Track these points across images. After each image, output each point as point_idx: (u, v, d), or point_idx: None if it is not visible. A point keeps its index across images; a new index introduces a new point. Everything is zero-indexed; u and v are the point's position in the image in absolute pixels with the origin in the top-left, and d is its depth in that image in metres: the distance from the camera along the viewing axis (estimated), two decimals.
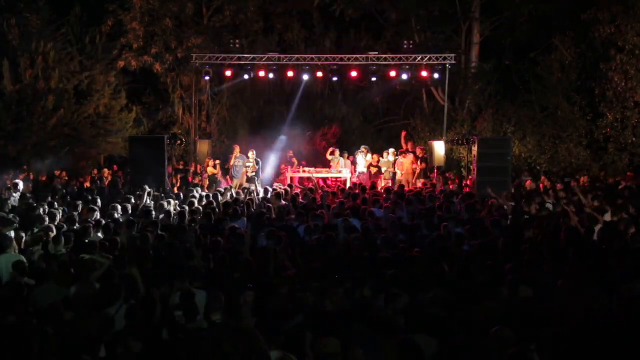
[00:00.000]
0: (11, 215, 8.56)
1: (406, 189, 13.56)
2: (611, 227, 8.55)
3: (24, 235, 7.76)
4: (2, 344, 4.40)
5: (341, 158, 16.92)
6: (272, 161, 17.57)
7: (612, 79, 17.01)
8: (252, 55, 17.66)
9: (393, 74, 17.45)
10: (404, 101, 22.09)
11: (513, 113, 18.88)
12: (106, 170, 16.86)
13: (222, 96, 21.22)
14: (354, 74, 17.50)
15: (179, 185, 15.17)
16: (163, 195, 11.60)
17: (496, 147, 14.16)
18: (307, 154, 20.58)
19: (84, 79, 17.35)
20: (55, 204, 9.93)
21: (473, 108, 20.23)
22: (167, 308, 5.54)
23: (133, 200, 10.52)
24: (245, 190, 12.82)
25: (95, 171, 17.17)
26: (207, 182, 15.68)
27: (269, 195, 11.69)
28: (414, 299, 5.70)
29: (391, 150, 16.51)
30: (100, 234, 8.15)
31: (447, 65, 17.09)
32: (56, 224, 8.29)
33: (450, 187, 13.92)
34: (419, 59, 17.14)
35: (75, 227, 8.21)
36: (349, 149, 18.25)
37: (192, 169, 17.05)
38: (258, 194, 12.17)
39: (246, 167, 15.29)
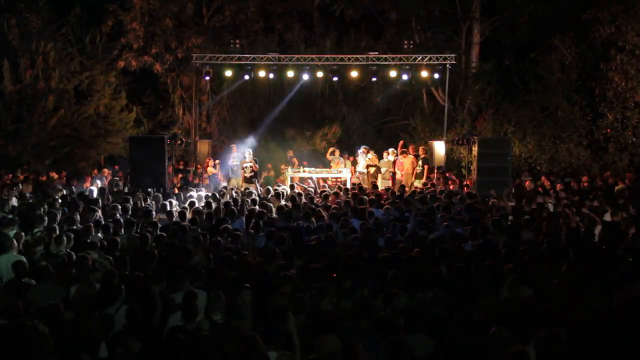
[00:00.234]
0: (11, 215, 8.56)
1: (406, 189, 13.55)
2: (611, 227, 8.56)
3: (23, 234, 7.75)
4: (2, 344, 4.41)
5: (341, 158, 16.91)
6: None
7: (612, 79, 16.99)
8: (252, 55, 17.66)
9: (393, 74, 17.45)
10: (404, 101, 22.07)
11: (513, 113, 18.87)
12: (106, 170, 16.85)
13: (222, 96, 21.22)
14: (354, 74, 17.49)
15: (179, 185, 15.16)
16: (162, 195, 11.59)
17: (496, 147, 14.15)
18: (307, 154, 20.59)
19: (84, 79, 17.35)
20: (56, 204, 9.92)
21: (473, 108, 20.23)
22: (167, 308, 5.55)
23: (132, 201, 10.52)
24: (246, 190, 12.80)
25: (95, 171, 17.16)
26: (207, 182, 15.67)
27: (269, 195, 11.70)
28: (414, 299, 5.70)
29: (390, 150, 16.49)
30: (100, 234, 8.14)
31: (447, 65, 17.09)
32: (56, 224, 8.29)
33: (451, 187, 13.91)
34: (419, 59, 17.14)
35: (75, 227, 8.20)
36: (349, 149, 18.24)
37: (192, 169, 17.06)
38: (259, 194, 12.16)
39: (243, 167, 15.27)
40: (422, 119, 20.88)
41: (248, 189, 13.17)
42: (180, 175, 15.97)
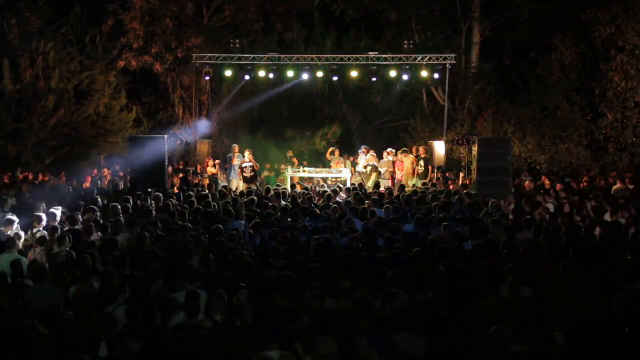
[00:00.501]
0: (10, 215, 8.55)
1: (406, 189, 13.55)
2: (611, 227, 8.56)
3: (23, 234, 7.75)
4: (2, 344, 4.41)
5: (341, 158, 16.92)
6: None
7: (612, 79, 16.99)
8: (252, 55, 17.66)
9: (393, 74, 17.45)
10: (404, 101, 22.09)
11: (513, 113, 18.88)
12: (105, 170, 16.86)
13: (222, 96, 21.23)
14: (354, 74, 17.49)
15: (178, 185, 15.15)
16: (163, 195, 11.58)
17: (496, 147, 14.14)
18: (307, 154, 20.61)
19: (84, 79, 17.35)
20: (56, 203, 9.92)
21: (473, 108, 20.23)
22: (168, 308, 5.55)
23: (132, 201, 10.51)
24: (247, 190, 12.79)
25: (95, 171, 17.17)
26: (208, 182, 15.67)
27: (269, 195, 11.70)
28: (414, 299, 5.70)
29: (389, 150, 16.48)
30: (100, 234, 8.14)
31: (447, 65, 17.09)
32: (56, 224, 8.29)
33: (451, 187, 13.91)
34: (419, 59, 17.14)
35: (76, 227, 8.20)
36: (349, 149, 18.21)
37: (192, 169, 17.06)
38: (259, 194, 12.15)
39: (242, 167, 15.26)
40: (422, 119, 20.89)
41: (249, 188, 13.16)
42: (180, 175, 15.97)
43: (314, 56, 17.76)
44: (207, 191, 12.53)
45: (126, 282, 5.86)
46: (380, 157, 16.54)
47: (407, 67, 17.21)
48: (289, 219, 9.52)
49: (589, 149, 17.92)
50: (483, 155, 13.86)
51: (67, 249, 7.05)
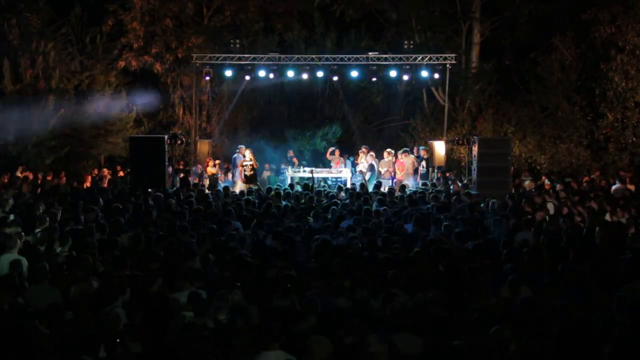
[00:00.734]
0: (11, 215, 8.56)
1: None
2: (611, 227, 8.56)
3: (23, 234, 7.75)
4: (2, 344, 4.41)
5: (341, 158, 16.92)
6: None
7: (612, 79, 16.98)
8: (252, 55, 17.66)
9: (393, 74, 17.45)
10: (404, 101, 22.09)
11: (513, 113, 18.87)
12: (105, 170, 16.85)
13: (222, 96, 21.23)
14: (354, 73, 17.49)
15: (179, 185, 15.15)
16: (164, 195, 11.58)
17: (496, 147, 14.15)
18: (307, 154, 20.61)
19: (84, 79, 17.33)
20: (56, 203, 9.93)
21: (473, 108, 20.22)
22: (167, 308, 5.54)
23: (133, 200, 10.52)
24: (247, 190, 12.78)
25: (96, 171, 17.17)
26: (208, 182, 15.67)
27: (270, 195, 11.70)
28: (414, 299, 5.70)
29: (389, 150, 16.48)
30: (100, 234, 8.13)
31: (448, 65, 17.09)
32: (56, 224, 8.29)
33: (451, 187, 13.90)
34: (419, 58, 17.14)
35: (77, 227, 8.20)
36: (349, 149, 18.18)
37: (192, 169, 17.05)
38: (260, 194, 12.14)
39: (243, 166, 15.26)
40: (422, 119, 20.89)
41: (249, 188, 13.16)
42: (180, 175, 15.97)
43: (314, 56, 17.76)
44: (208, 191, 12.53)
45: (126, 282, 5.86)
46: (380, 157, 16.55)
47: (407, 67, 17.21)
48: (289, 219, 9.51)
49: (589, 149, 17.92)
50: (483, 155, 13.86)
51: (70, 249, 7.06)
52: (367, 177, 15.56)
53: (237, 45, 17.74)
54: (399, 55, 17.31)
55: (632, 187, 13.27)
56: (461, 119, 19.77)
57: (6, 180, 13.05)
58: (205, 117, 21.05)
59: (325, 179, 16.40)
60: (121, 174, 16.67)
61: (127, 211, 9.48)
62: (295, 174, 16.11)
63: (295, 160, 17.61)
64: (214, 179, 15.93)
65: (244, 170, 15.15)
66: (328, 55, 17.88)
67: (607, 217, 9.83)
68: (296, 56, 17.94)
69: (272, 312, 5.24)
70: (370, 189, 13.52)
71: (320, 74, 17.75)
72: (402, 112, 22.11)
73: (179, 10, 19.92)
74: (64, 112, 16.00)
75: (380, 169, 16.15)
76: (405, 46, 17.64)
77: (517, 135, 18.21)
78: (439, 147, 16.26)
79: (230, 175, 16.79)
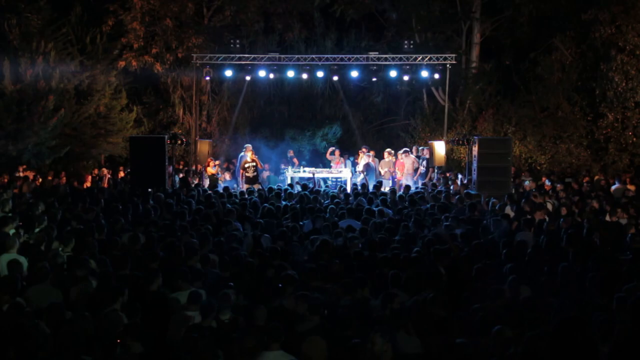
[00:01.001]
0: (10, 214, 8.55)
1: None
2: (611, 227, 8.56)
3: (22, 233, 7.75)
4: (2, 344, 4.41)
5: (341, 158, 16.93)
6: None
7: (612, 79, 16.98)
8: (253, 55, 17.67)
9: (393, 74, 17.45)
10: (404, 101, 22.10)
11: (513, 113, 18.88)
12: (105, 170, 16.86)
13: (222, 96, 21.23)
14: (354, 74, 17.50)
15: (179, 185, 15.16)
16: (164, 195, 11.59)
17: (496, 147, 14.15)
18: (307, 154, 20.61)
19: (84, 79, 17.33)
20: (56, 203, 9.93)
21: (473, 108, 20.23)
22: (167, 308, 5.55)
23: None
24: (248, 190, 12.77)
25: (96, 171, 17.17)
26: (208, 182, 15.68)
27: (270, 195, 11.69)
28: (414, 298, 5.70)
29: (389, 150, 16.49)
30: (100, 234, 8.13)
31: (448, 65, 17.10)
32: (55, 224, 8.28)
33: (451, 187, 13.91)
34: (419, 59, 17.14)
35: (77, 227, 8.20)
36: (349, 149, 18.17)
37: (192, 169, 17.06)
38: (262, 194, 12.13)
39: (245, 167, 15.27)
40: (423, 119, 20.91)
41: (250, 188, 13.16)
42: (180, 175, 15.97)
43: (314, 56, 17.76)
44: (209, 191, 12.53)
45: (125, 282, 5.86)
46: (380, 157, 16.56)
47: (407, 67, 17.21)
48: (290, 219, 9.51)
49: (589, 149, 17.92)
50: (483, 155, 13.86)
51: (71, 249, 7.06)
52: (361, 178, 15.58)
53: (237, 45, 17.74)
54: (399, 56, 17.31)
55: (632, 188, 13.27)
56: (461, 119, 19.78)
57: (6, 180, 13.05)
58: (205, 117, 21.05)
59: (325, 179, 16.41)
60: (121, 174, 16.67)
61: (127, 211, 9.48)
62: (295, 174, 16.11)
63: (295, 160, 17.62)
64: (214, 179, 15.94)
65: (246, 172, 15.16)
66: (328, 55, 17.89)
67: (607, 217, 9.83)
68: (296, 56, 17.95)
69: (273, 312, 5.25)
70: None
71: (320, 74, 17.76)
72: (402, 112, 22.13)
73: (179, 10, 19.92)
74: (64, 112, 16.00)
75: (380, 169, 16.16)
76: (406, 46, 17.64)
77: (517, 135, 18.21)
78: (439, 147, 16.27)
79: (228, 175, 16.79)
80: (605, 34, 17.08)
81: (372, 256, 7.04)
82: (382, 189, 13.19)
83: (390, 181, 15.64)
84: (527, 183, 14.79)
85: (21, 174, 14.29)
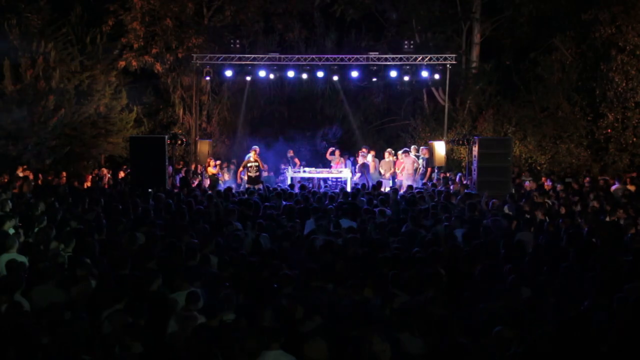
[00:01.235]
0: (10, 215, 8.54)
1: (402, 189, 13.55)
2: (611, 227, 8.56)
3: (22, 233, 7.75)
4: (2, 344, 4.41)
5: (341, 158, 16.93)
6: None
7: (612, 79, 16.99)
8: (253, 55, 17.68)
9: (393, 74, 17.46)
10: (404, 101, 22.10)
11: (513, 113, 18.88)
12: (104, 170, 16.86)
13: (222, 96, 21.23)
14: (354, 74, 17.51)
15: (179, 185, 15.16)
16: (164, 195, 11.59)
17: (496, 147, 14.15)
18: (307, 154, 20.61)
19: (84, 79, 17.33)
20: (56, 203, 9.93)
21: (473, 108, 20.23)
22: (167, 308, 5.54)
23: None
24: (250, 190, 12.77)
25: (96, 171, 17.18)
26: (209, 182, 15.68)
27: (271, 195, 11.69)
28: (414, 299, 5.70)
29: (389, 150, 16.49)
30: (100, 235, 8.13)
31: (448, 66, 17.10)
32: (56, 224, 8.28)
33: (451, 187, 13.91)
34: (419, 59, 17.15)
35: (78, 227, 8.20)
36: (349, 149, 18.16)
37: (193, 169, 17.06)
38: (264, 194, 12.13)
39: (247, 166, 15.27)
40: (423, 119, 20.91)
41: (249, 188, 13.16)
42: (180, 175, 15.98)
43: (314, 56, 17.77)
44: (209, 191, 12.53)
45: (125, 282, 5.85)
46: (380, 157, 16.56)
47: (408, 67, 17.23)
48: (290, 219, 9.50)
49: (589, 149, 17.93)
50: (483, 155, 13.87)
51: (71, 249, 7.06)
52: (356, 177, 15.58)
53: (237, 45, 17.76)
54: (399, 56, 17.32)
55: (632, 188, 13.27)
56: (461, 119, 19.78)
57: (6, 180, 13.05)
58: (205, 117, 21.05)
59: (325, 179, 16.41)
60: (122, 174, 16.67)
61: (127, 211, 9.48)
62: (295, 174, 16.11)
63: (297, 160, 17.60)
64: (214, 179, 15.94)
65: (248, 171, 15.18)
66: (328, 56, 17.89)
67: (607, 217, 9.82)
68: (296, 56, 17.96)
69: (274, 312, 5.24)
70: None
71: (320, 74, 17.76)
72: (402, 112, 22.12)
73: (179, 10, 19.93)
74: (64, 112, 16.00)
75: (380, 169, 16.17)
76: (406, 46, 17.65)
77: (518, 136, 18.21)
78: (439, 147, 16.28)
79: (227, 175, 16.79)
80: (605, 34, 17.09)
81: (372, 256, 7.03)
82: (382, 189, 13.19)
83: (390, 181, 15.64)
84: (527, 183, 14.78)
85: (21, 174, 14.27)
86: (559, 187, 13.45)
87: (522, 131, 18.46)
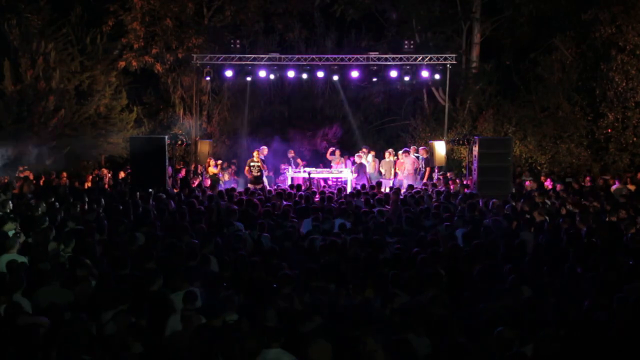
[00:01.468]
0: (12, 216, 8.55)
1: (402, 189, 13.55)
2: (611, 227, 8.56)
3: (22, 233, 7.75)
4: (4, 344, 4.42)
5: (342, 158, 16.93)
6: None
7: (612, 79, 16.99)
8: (253, 56, 17.67)
9: (394, 74, 17.46)
10: (404, 101, 22.10)
11: (513, 113, 18.88)
12: (104, 170, 16.86)
13: (223, 96, 21.23)
14: (354, 74, 17.50)
15: (179, 185, 15.16)
16: (165, 195, 11.59)
17: (497, 147, 14.15)
18: (307, 154, 20.61)
19: (84, 79, 17.35)
20: (56, 204, 9.93)
21: (474, 108, 20.23)
22: (166, 308, 5.54)
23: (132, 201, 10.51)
24: (250, 190, 12.77)
25: (97, 171, 17.18)
26: (209, 183, 15.68)
27: (271, 195, 11.69)
28: (414, 299, 5.70)
29: (389, 150, 16.48)
30: (101, 235, 8.13)
31: (448, 65, 17.10)
32: (57, 224, 8.28)
33: (451, 187, 13.91)
34: (419, 59, 17.14)
35: (78, 227, 8.20)
36: (349, 149, 18.15)
37: (193, 169, 17.06)
38: (266, 194, 12.13)
39: (250, 166, 15.28)
40: (423, 119, 20.90)
41: (249, 188, 13.16)
42: (180, 175, 15.98)
43: (314, 56, 17.77)
44: (210, 191, 12.54)
45: (125, 283, 5.86)
46: (381, 157, 16.56)
47: (408, 67, 17.22)
48: (290, 219, 9.50)
49: (589, 149, 17.93)
50: (483, 155, 13.87)
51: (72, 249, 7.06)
52: (352, 177, 15.58)
53: (237, 46, 17.74)
54: (399, 56, 17.31)
55: (632, 187, 13.27)
56: (461, 119, 19.78)
57: (6, 181, 13.06)
58: (206, 118, 21.05)
59: (325, 179, 16.40)
60: (122, 174, 16.67)
61: (127, 211, 9.48)
62: (295, 174, 16.11)
63: (299, 160, 17.57)
64: (215, 179, 15.94)
65: (251, 171, 15.20)
66: (328, 56, 17.89)
67: (607, 217, 9.81)
68: (296, 56, 17.95)
69: (275, 313, 5.24)
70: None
71: (320, 74, 17.76)
72: (403, 112, 22.12)
73: (179, 10, 19.92)
74: (64, 112, 16.01)
75: (381, 168, 16.18)
76: (406, 46, 17.63)
77: (518, 135, 18.21)
78: (440, 147, 16.28)
79: (227, 175, 16.79)
80: (606, 33, 17.08)
81: (373, 256, 7.03)
82: (383, 189, 13.20)
83: (391, 181, 15.65)
84: (527, 183, 14.78)
85: (21, 174, 14.28)
86: (559, 187, 13.45)
87: (522, 131, 18.45)
